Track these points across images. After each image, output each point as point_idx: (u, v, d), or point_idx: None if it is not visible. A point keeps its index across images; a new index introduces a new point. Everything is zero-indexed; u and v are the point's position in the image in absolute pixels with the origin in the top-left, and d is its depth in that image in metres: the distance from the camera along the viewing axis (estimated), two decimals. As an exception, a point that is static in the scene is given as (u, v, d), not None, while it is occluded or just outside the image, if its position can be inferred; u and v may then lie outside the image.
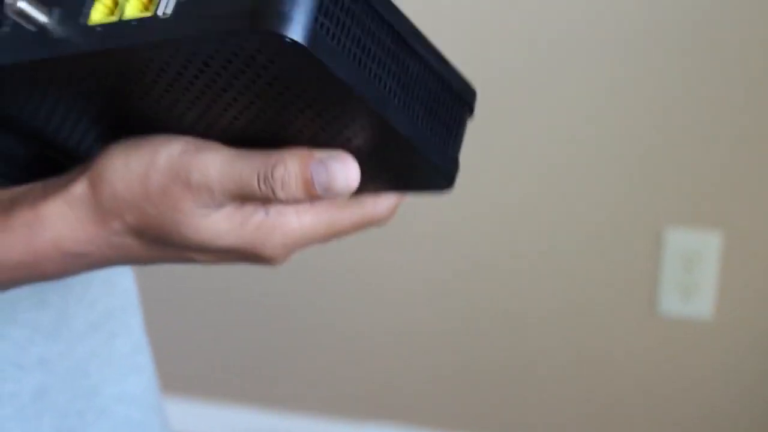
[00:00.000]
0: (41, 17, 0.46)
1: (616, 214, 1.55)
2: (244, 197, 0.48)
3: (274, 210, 0.50)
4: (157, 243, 0.50)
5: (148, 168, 0.48)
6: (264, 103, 0.46)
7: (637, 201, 1.54)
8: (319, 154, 0.48)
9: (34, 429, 0.62)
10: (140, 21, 0.44)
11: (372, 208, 0.53)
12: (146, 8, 0.45)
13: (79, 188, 0.49)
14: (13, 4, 0.45)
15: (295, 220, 0.50)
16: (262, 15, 0.41)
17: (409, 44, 0.48)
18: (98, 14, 0.46)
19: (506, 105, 1.52)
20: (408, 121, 0.49)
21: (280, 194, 0.48)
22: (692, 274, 1.55)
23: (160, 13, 0.43)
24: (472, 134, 1.55)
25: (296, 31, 0.41)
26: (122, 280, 0.68)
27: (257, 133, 0.49)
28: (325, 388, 1.73)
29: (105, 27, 0.45)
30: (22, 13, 0.45)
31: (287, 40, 0.41)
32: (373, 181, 0.53)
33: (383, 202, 0.53)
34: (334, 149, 0.49)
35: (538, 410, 1.67)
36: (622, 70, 1.48)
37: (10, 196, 0.51)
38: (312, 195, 0.48)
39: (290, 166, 0.48)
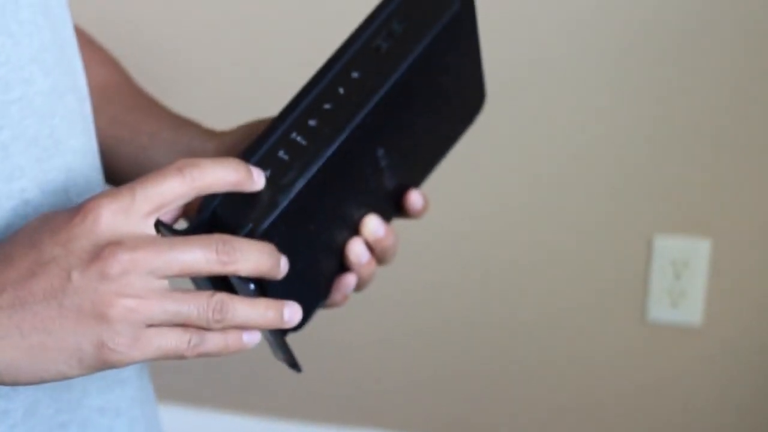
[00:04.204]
0: None
1: (605, 222, 1.56)
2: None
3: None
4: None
5: None
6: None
7: (627, 209, 1.55)
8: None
9: None
10: None
11: None
12: None
13: None
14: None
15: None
16: None
17: None
18: None
19: (493, 112, 1.53)
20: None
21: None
22: (681, 281, 1.56)
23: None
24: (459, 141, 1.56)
25: None
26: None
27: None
28: (317, 395, 1.74)
29: None
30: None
31: None
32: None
33: None
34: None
35: (525, 417, 1.68)
36: (611, 79, 1.49)
37: None
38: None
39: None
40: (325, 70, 0.60)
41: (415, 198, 0.67)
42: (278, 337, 0.59)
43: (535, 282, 1.61)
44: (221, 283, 0.57)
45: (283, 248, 0.57)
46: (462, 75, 0.67)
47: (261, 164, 0.57)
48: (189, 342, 0.54)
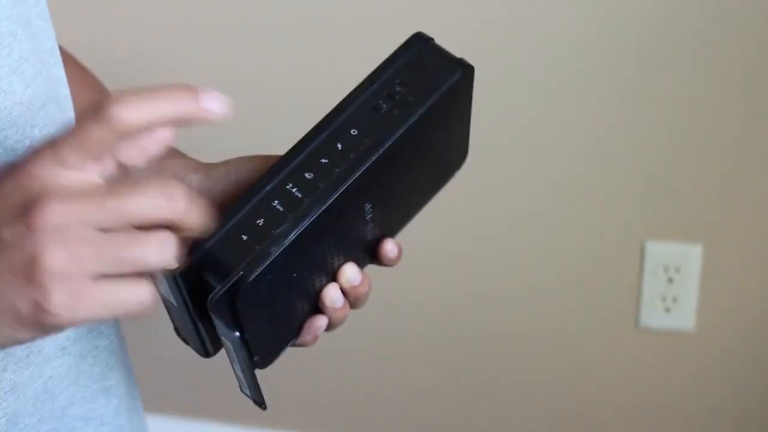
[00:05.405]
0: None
1: (598, 227, 1.56)
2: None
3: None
4: None
5: None
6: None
7: (619, 215, 1.55)
8: None
9: None
10: None
11: None
12: None
13: None
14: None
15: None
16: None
17: None
18: None
19: (483, 118, 1.54)
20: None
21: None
22: (673, 286, 1.56)
23: None
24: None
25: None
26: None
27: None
28: (309, 405, 1.74)
29: None
30: None
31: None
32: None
33: None
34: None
35: (518, 423, 1.68)
36: (602, 87, 1.49)
37: None
38: None
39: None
40: (325, 123, 0.62)
41: (389, 247, 0.70)
42: (248, 374, 0.61)
43: (527, 288, 1.61)
44: (201, 316, 0.58)
45: (266, 294, 0.59)
46: (453, 136, 0.69)
47: (256, 212, 0.59)
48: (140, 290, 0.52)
